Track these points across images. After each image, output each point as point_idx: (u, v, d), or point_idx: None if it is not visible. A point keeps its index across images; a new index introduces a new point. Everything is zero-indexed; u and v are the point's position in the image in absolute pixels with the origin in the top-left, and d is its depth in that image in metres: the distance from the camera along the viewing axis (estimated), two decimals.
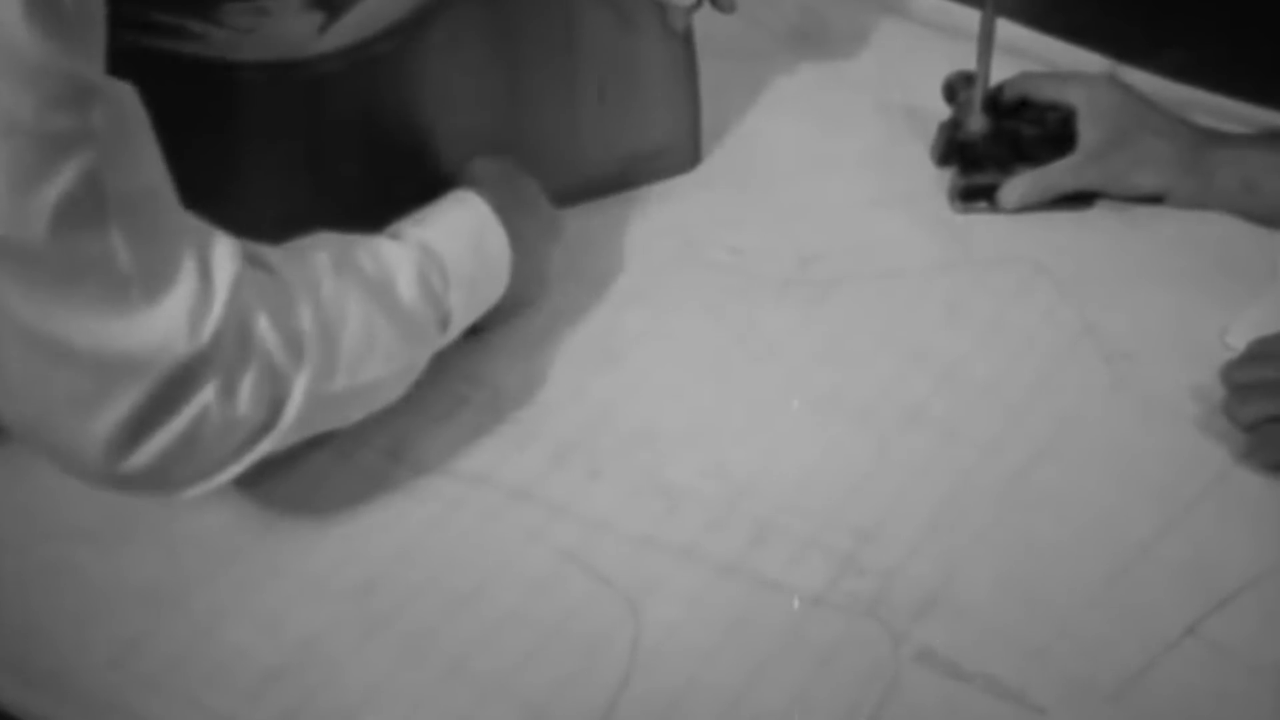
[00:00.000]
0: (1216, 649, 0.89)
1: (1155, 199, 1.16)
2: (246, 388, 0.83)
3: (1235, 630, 0.90)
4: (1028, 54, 1.27)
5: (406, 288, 0.93)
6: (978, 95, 1.16)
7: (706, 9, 1.13)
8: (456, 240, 0.97)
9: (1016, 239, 1.14)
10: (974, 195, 1.16)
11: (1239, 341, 1.04)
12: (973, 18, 1.14)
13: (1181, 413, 1.02)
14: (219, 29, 0.98)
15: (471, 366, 1.05)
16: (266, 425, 0.85)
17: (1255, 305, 1.08)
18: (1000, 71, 1.16)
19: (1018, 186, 1.15)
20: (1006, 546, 0.95)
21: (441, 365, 0.99)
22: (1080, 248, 1.14)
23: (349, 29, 0.98)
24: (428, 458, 1.00)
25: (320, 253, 0.91)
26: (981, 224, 1.16)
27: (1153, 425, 1.01)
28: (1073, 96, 1.15)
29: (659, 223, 1.16)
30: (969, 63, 1.16)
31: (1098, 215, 1.16)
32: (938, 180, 1.19)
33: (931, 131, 1.21)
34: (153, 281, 0.80)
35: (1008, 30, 1.24)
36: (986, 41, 1.14)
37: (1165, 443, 1.00)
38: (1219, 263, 1.12)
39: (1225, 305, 1.08)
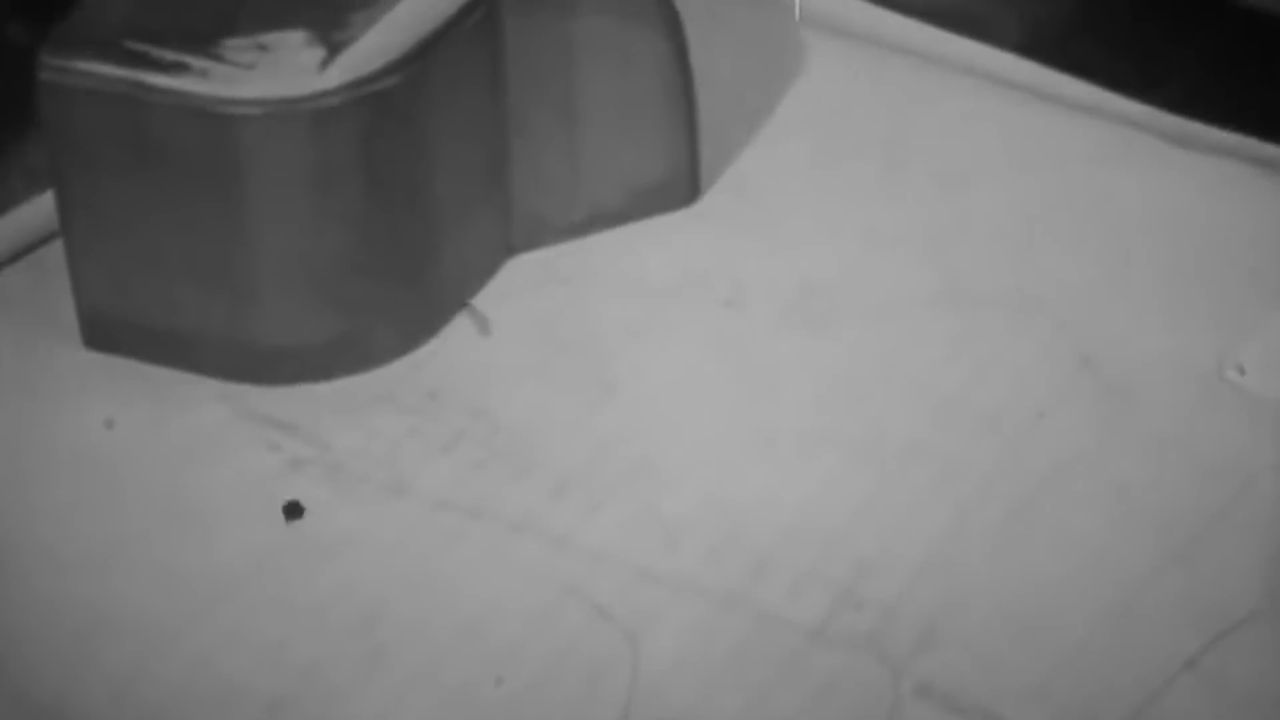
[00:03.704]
0: (1216, 683, 0.89)
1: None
2: None
3: (1235, 664, 0.90)
4: (1026, 88, 1.27)
5: None
6: None
7: (706, 57, 1.13)
8: None
9: (1014, 272, 1.15)
10: None
11: (1239, 376, 1.04)
12: (971, 51, 1.15)
13: (1180, 446, 1.02)
14: (220, 64, 0.99)
15: (471, 399, 1.05)
16: None
17: (1252, 340, 1.08)
18: (1001, 105, 1.16)
19: None
20: (1006, 581, 0.95)
21: (441, 397, 0.99)
22: (1078, 280, 1.14)
23: (350, 65, 0.99)
24: (428, 490, 1.00)
25: None
26: (979, 257, 1.16)
27: (1152, 459, 1.02)
28: None
29: (658, 256, 1.16)
30: (968, 97, 1.16)
31: (1095, 247, 1.16)
32: (939, 217, 1.19)
33: (929, 164, 1.21)
34: None
35: (1006, 64, 1.26)
36: None
37: (1164, 477, 1.00)
38: (1216, 294, 1.12)
39: (1223, 337, 1.09)
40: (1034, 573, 0.95)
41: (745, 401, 1.06)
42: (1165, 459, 1.02)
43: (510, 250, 1.12)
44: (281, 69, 0.98)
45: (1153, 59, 2.15)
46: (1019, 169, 1.21)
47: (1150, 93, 1.30)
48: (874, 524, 0.98)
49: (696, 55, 1.15)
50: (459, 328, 1.09)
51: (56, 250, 1.08)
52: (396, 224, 1.03)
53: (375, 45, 1.00)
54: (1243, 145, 1.24)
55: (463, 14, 1.03)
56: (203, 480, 1.01)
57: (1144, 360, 1.08)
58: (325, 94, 0.97)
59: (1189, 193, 1.19)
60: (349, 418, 1.04)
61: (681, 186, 1.18)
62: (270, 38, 1.00)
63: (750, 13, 1.35)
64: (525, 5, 1.06)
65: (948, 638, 0.92)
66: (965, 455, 1.02)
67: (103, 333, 1.06)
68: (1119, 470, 1.01)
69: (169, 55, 1.00)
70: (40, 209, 1.12)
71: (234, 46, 1.00)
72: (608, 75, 1.11)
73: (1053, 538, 0.97)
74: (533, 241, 1.13)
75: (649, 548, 0.97)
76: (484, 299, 1.11)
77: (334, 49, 0.99)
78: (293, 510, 0.96)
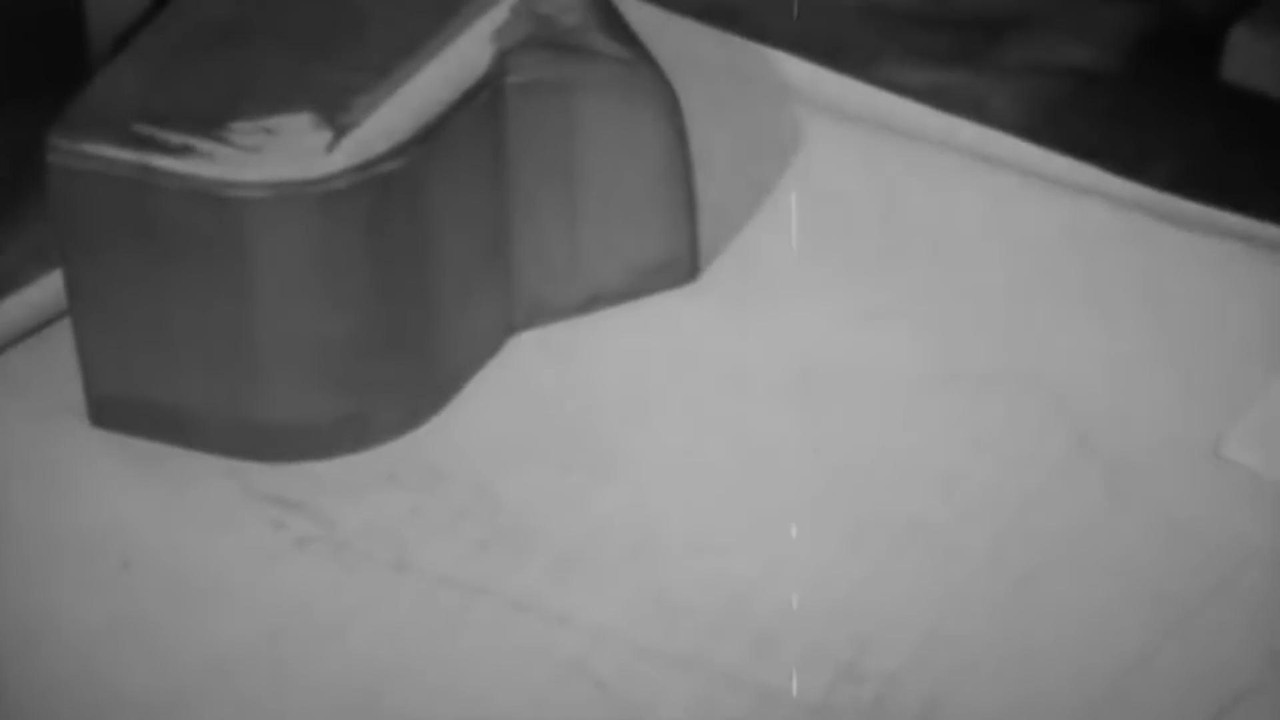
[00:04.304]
0: None
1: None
2: None
3: None
4: (1019, 166, 1.28)
5: None
6: None
7: (705, 137, 1.14)
8: None
9: (1011, 350, 1.15)
10: None
11: (1236, 454, 1.05)
12: (968, 132, 1.16)
13: (1178, 523, 1.03)
14: (226, 147, 1.00)
15: (473, 477, 1.06)
16: None
17: (1247, 417, 1.09)
18: (998, 185, 1.17)
19: None
20: (1007, 657, 0.95)
21: (443, 476, 1.00)
22: (1074, 358, 1.15)
23: (356, 147, 1.00)
24: (430, 567, 1.01)
25: None
26: (976, 335, 1.17)
27: (1150, 535, 1.02)
28: None
29: (657, 334, 1.17)
30: (964, 177, 1.17)
31: (1091, 325, 1.17)
32: (936, 295, 1.20)
33: (926, 243, 1.22)
34: None
35: (1002, 144, 1.27)
36: None
37: (1163, 553, 1.01)
38: (1212, 372, 1.13)
39: (1219, 415, 1.09)
40: (1034, 647, 0.95)
41: (745, 479, 1.06)
42: (1164, 535, 1.02)
43: (511, 329, 1.13)
44: (288, 151, 0.99)
45: (1147, 138, 2.17)
46: (1015, 248, 1.22)
47: (1144, 171, 1.31)
48: (875, 600, 0.99)
49: (696, 135, 1.16)
50: (461, 405, 1.10)
51: (64, 330, 1.09)
52: (400, 305, 1.04)
53: (381, 127, 1.01)
54: (1236, 224, 1.25)
55: (468, 96, 1.04)
56: (207, 558, 1.01)
57: (1141, 437, 1.09)
58: (332, 177, 0.98)
59: (1183, 271, 1.20)
60: (352, 495, 1.04)
61: (681, 265, 1.19)
62: (276, 120, 1.01)
63: (749, 93, 1.36)
64: (528, 88, 1.07)
65: (949, 710, 0.92)
66: (965, 532, 1.03)
67: (109, 411, 1.07)
68: (1118, 546, 1.02)
69: (176, 138, 1.00)
70: (48, 289, 1.12)
71: (240, 129, 1.00)
72: (608, 156, 1.12)
73: (1052, 612, 0.97)
74: (534, 320, 1.14)
75: (650, 625, 0.97)
76: (485, 378, 1.12)
77: (340, 131, 1.00)
78: None
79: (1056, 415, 1.11)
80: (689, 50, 1.30)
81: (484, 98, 1.05)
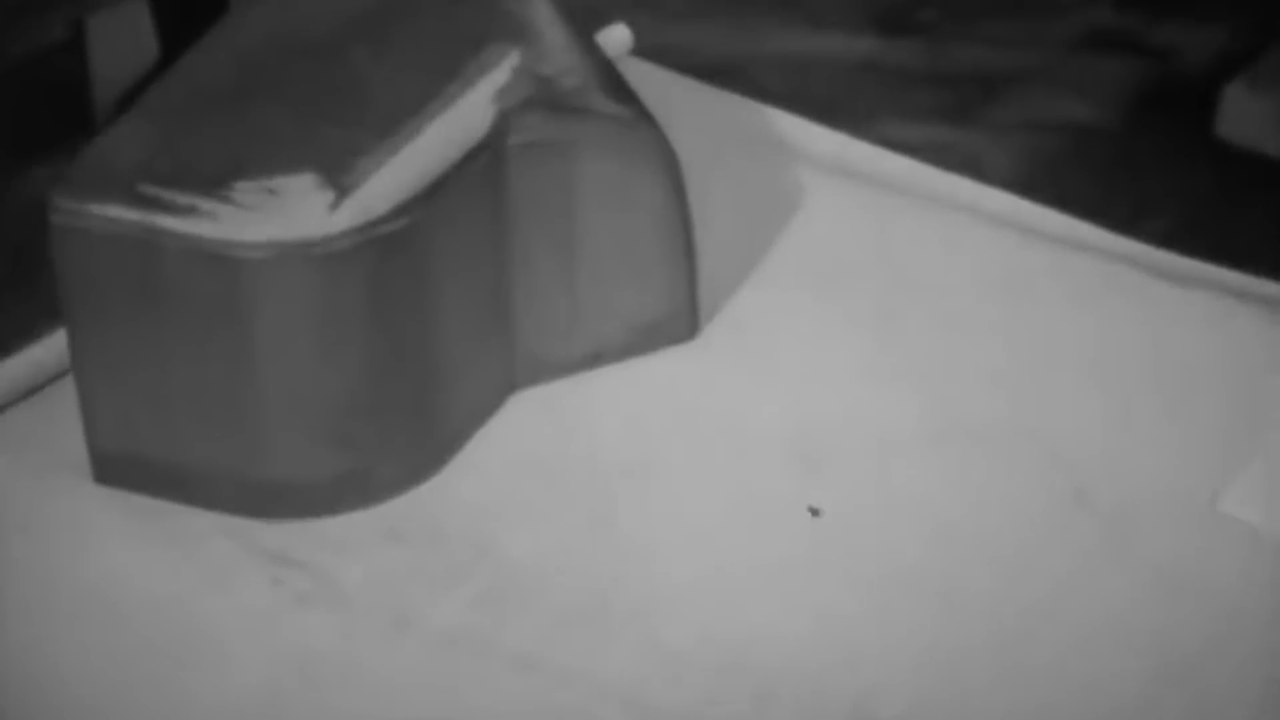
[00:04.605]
0: None
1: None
2: None
3: None
4: (1016, 223, 1.29)
5: None
6: None
7: (704, 195, 1.15)
8: None
9: (1008, 406, 1.16)
10: None
11: (1233, 508, 1.05)
12: (966, 189, 1.17)
13: (1175, 576, 1.03)
14: (230, 206, 1.01)
15: (474, 534, 1.06)
16: None
17: (1245, 473, 1.10)
18: (995, 242, 1.18)
19: None
20: (1006, 708, 0.95)
21: (444, 533, 1.00)
22: (1071, 413, 1.15)
23: (359, 207, 1.00)
24: (432, 625, 1.01)
25: None
26: (974, 392, 1.18)
27: (1147, 588, 1.02)
28: None
29: (657, 392, 1.17)
30: (962, 234, 1.18)
31: (1087, 380, 1.18)
32: (935, 351, 1.20)
33: (924, 300, 1.23)
34: None
35: (1000, 201, 1.27)
36: None
37: (1160, 605, 1.01)
38: (1208, 426, 1.14)
39: (1215, 468, 1.10)
40: (1034, 697, 0.96)
41: (744, 534, 1.07)
42: (1160, 588, 1.02)
43: (512, 386, 1.14)
44: (290, 211, 1.00)
45: (1143, 193, 2.18)
46: (1012, 304, 1.23)
47: (1140, 226, 1.32)
48: (874, 652, 0.99)
49: (695, 193, 1.17)
50: (462, 463, 1.10)
51: (67, 387, 1.09)
52: (402, 364, 1.05)
53: (383, 188, 1.01)
54: (1232, 280, 1.26)
55: (469, 157, 1.05)
56: (209, 616, 1.01)
57: (1138, 491, 1.09)
58: (334, 237, 0.99)
59: (1179, 326, 1.21)
60: (354, 553, 1.05)
61: (681, 324, 1.20)
62: (279, 180, 1.01)
63: (748, 151, 1.37)
64: (529, 148, 1.08)
65: None
66: (963, 585, 1.03)
67: (112, 469, 1.07)
68: (1115, 599, 1.02)
69: (179, 198, 1.01)
70: (51, 347, 1.13)
71: (243, 189, 1.01)
72: (608, 216, 1.13)
73: (1051, 663, 0.98)
74: (534, 378, 1.14)
75: (652, 681, 0.97)
76: (486, 435, 1.12)
77: (342, 191, 1.01)
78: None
79: (1053, 469, 1.11)
80: (689, 108, 1.31)
81: (485, 158, 1.06)
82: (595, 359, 1.17)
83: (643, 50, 1.46)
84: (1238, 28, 2.73)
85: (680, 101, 1.28)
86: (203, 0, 2.31)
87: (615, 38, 1.43)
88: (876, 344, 1.22)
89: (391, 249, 1.01)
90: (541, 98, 1.09)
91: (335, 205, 1.00)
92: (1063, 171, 2.34)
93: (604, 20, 1.48)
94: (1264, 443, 1.12)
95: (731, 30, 2.79)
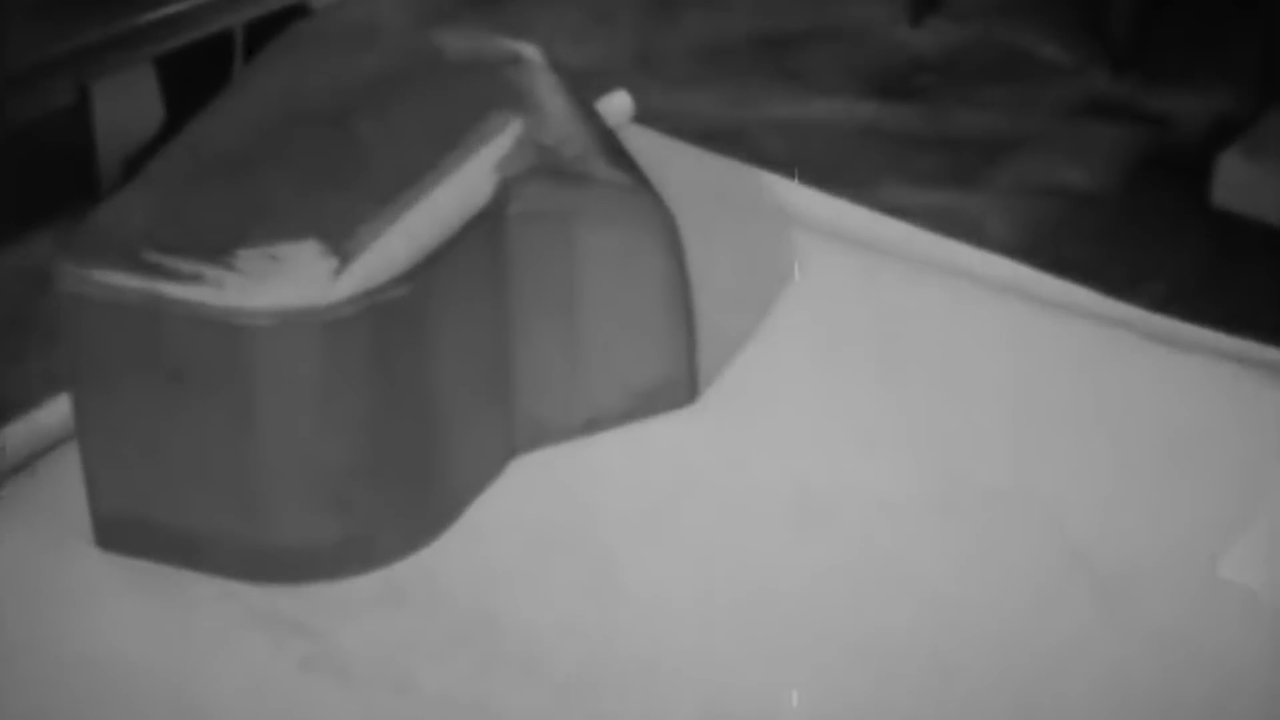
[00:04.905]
0: None
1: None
2: None
3: None
4: (1014, 288, 1.30)
5: None
6: None
7: (704, 261, 1.16)
8: None
9: (1007, 470, 1.16)
10: None
11: (1232, 573, 1.05)
12: (963, 254, 1.18)
13: (1175, 639, 1.03)
14: (233, 273, 1.01)
15: (475, 599, 1.06)
16: None
17: (1243, 538, 1.10)
18: (993, 307, 1.18)
19: None
20: None
21: (445, 598, 1.00)
22: (1070, 477, 1.16)
23: (361, 274, 1.01)
24: (433, 690, 1.01)
25: None
26: (973, 455, 1.18)
27: (1147, 652, 1.03)
28: None
29: (657, 456, 1.18)
30: (960, 299, 1.19)
31: (1085, 444, 1.18)
32: (934, 416, 1.21)
33: (922, 364, 1.23)
34: None
35: (997, 267, 1.28)
36: None
37: (1159, 669, 1.01)
38: (1206, 490, 1.14)
39: (1213, 532, 1.10)
40: None
41: (745, 601, 1.07)
42: (1160, 654, 1.02)
43: (513, 451, 1.14)
44: (293, 279, 1.00)
45: (1140, 258, 2.19)
46: (1010, 369, 1.24)
47: (1138, 291, 1.33)
48: (875, 717, 0.99)
49: (695, 259, 1.18)
50: (463, 528, 1.11)
51: (70, 452, 1.10)
52: (403, 430, 1.05)
53: (385, 255, 1.02)
54: (1228, 345, 1.26)
55: (470, 225, 1.06)
56: (212, 680, 1.01)
57: (1136, 555, 1.09)
58: (336, 305, 1.00)
59: (1176, 391, 1.22)
60: (356, 617, 1.05)
61: (681, 388, 1.21)
62: (282, 248, 1.02)
63: (748, 217, 1.38)
64: (530, 216, 1.09)
65: None
66: (962, 649, 1.03)
67: (116, 535, 1.08)
68: (1114, 665, 1.02)
69: (183, 265, 1.02)
70: (55, 412, 1.13)
71: (247, 257, 1.02)
72: (608, 283, 1.14)
73: None
74: (535, 443, 1.15)
75: None
76: (487, 500, 1.12)
77: (344, 259, 1.01)
78: None
79: (1052, 532, 1.11)
80: (689, 175, 1.32)
81: (486, 226, 1.07)
82: (595, 424, 1.18)
83: (644, 115, 1.47)
84: (1232, 94, 2.76)
85: (681, 168, 1.29)
86: (207, 66, 2.33)
87: (616, 105, 1.45)
88: (875, 408, 1.22)
89: (393, 316, 1.02)
90: (543, 166, 1.10)
91: (338, 273, 1.01)
92: (1061, 236, 2.35)
93: (606, 86, 1.49)
94: (1263, 507, 1.13)
95: (733, 95, 2.81)
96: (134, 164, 2.19)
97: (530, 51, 1.18)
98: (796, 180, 1.41)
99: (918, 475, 1.17)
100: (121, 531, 1.08)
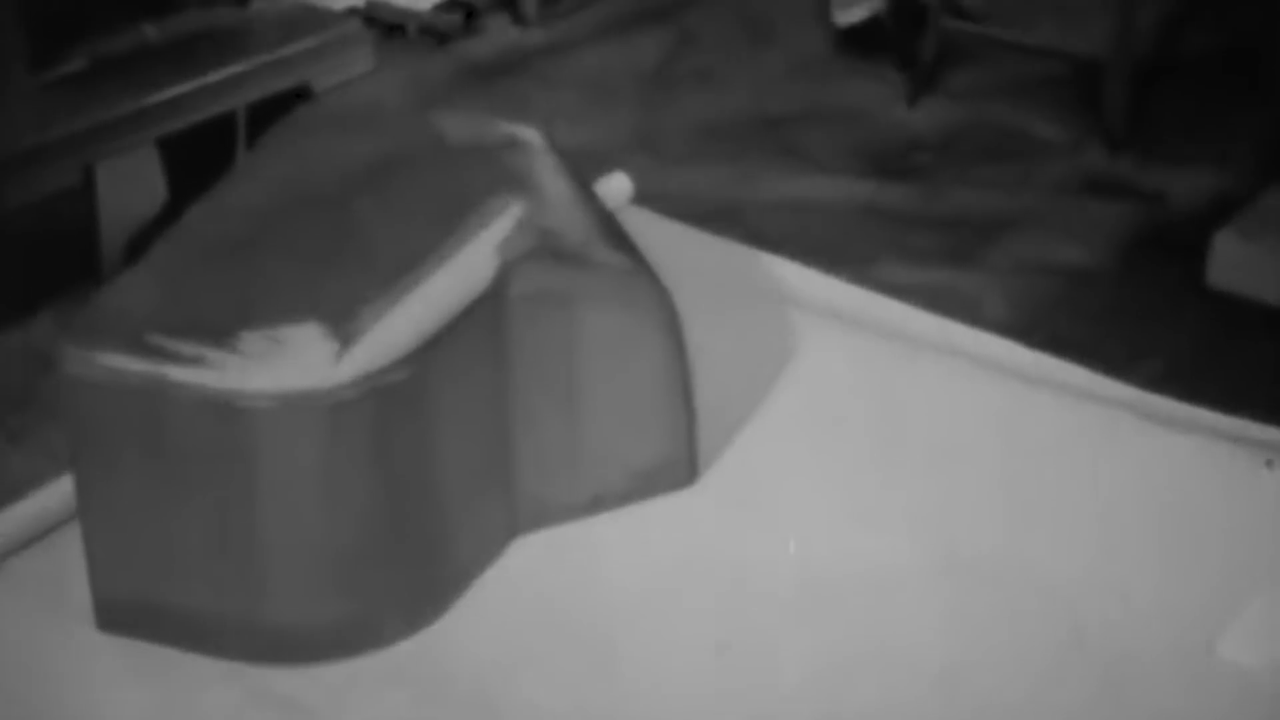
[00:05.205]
0: None
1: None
2: None
3: None
4: (1012, 368, 1.31)
5: None
6: None
7: (702, 342, 1.16)
8: None
9: (1006, 547, 1.16)
10: None
11: (1231, 653, 1.05)
12: (959, 334, 1.18)
13: (1171, 717, 1.03)
14: (236, 356, 1.02)
15: (476, 677, 1.06)
16: None
17: (1242, 617, 1.10)
18: (989, 386, 1.19)
19: None
20: None
21: (446, 679, 1.00)
22: (1068, 555, 1.16)
23: (362, 358, 1.01)
24: None
25: None
26: (971, 533, 1.18)
27: None
28: None
29: (658, 536, 1.18)
30: (957, 378, 1.19)
31: (1083, 523, 1.18)
32: (932, 496, 1.21)
33: (921, 442, 1.24)
34: None
35: (992, 345, 1.29)
36: None
37: None
38: (1202, 569, 1.14)
39: (1214, 613, 1.10)
40: None
41: (748, 681, 1.07)
42: None
43: (514, 531, 1.15)
44: (295, 362, 1.01)
45: (1136, 336, 2.20)
46: (1007, 447, 1.24)
47: (1135, 369, 1.33)
48: None
49: (694, 340, 1.19)
50: (464, 608, 1.11)
51: (72, 533, 1.10)
52: (405, 511, 1.05)
53: (387, 338, 1.02)
54: (1224, 424, 1.27)
55: (472, 308, 1.07)
56: None
57: (1136, 634, 1.09)
58: (338, 388, 1.00)
59: (1173, 471, 1.22)
60: (358, 698, 1.05)
61: (680, 468, 1.21)
62: (284, 331, 1.03)
63: (746, 298, 1.39)
64: (530, 298, 1.10)
65: None
66: None
67: (116, 616, 1.08)
68: None
69: (186, 348, 1.02)
70: (58, 492, 1.14)
71: (249, 339, 1.02)
72: (608, 365, 1.14)
73: None
74: (537, 522, 1.15)
75: None
76: (488, 580, 1.13)
77: (346, 342, 1.02)
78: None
79: (1051, 612, 1.11)
80: (688, 256, 1.32)
81: (487, 308, 1.08)
82: (596, 504, 1.18)
83: (644, 195, 1.48)
84: (1227, 172, 2.77)
85: (680, 250, 1.30)
86: (211, 148, 2.35)
87: (615, 187, 1.46)
88: (874, 489, 1.22)
89: (395, 399, 1.02)
90: (543, 249, 1.11)
91: (339, 356, 1.01)
92: (1058, 314, 2.36)
93: (605, 165, 1.50)
94: (1261, 587, 1.13)
95: (731, 175, 2.83)
96: (137, 245, 2.20)
97: (530, 134, 1.20)
98: (794, 261, 1.42)
99: (917, 554, 1.17)
100: (123, 613, 1.08)
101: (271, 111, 2.05)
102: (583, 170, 1.23)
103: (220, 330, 1.03)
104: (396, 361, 1.02)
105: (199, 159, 2.31)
